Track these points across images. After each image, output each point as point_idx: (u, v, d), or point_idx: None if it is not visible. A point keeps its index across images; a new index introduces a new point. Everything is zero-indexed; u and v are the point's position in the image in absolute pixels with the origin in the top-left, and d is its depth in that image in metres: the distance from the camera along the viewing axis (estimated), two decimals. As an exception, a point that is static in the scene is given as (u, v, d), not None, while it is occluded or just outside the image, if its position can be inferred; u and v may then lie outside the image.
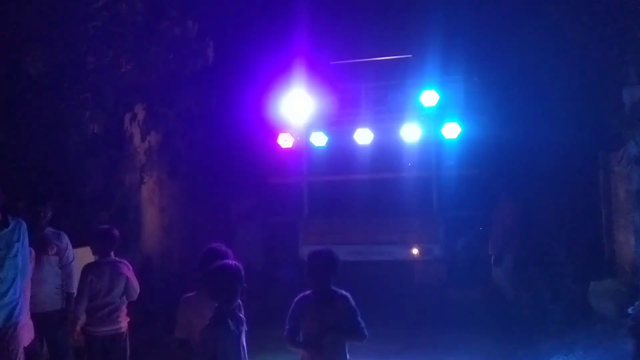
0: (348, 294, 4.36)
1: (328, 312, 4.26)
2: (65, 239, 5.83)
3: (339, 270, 4.30)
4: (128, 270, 5.52)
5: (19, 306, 4.80)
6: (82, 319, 5.48)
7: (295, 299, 4.33)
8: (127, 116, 9.15)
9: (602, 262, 8.76)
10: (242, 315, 4.06)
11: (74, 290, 5.62)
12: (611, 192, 8.89)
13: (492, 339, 7.95)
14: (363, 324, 4.30)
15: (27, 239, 4.92)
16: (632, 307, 5.00)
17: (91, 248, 5.71)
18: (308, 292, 4.32)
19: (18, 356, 4.84)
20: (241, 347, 3.91)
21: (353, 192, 10.10)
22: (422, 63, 9.51)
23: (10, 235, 4.75)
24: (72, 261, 5.85)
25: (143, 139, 9.45)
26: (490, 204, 9.12)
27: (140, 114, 9.32)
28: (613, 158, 8.74)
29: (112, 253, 5.51)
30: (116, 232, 5.58)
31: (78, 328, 5.45)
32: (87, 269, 5.40)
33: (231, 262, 3.91)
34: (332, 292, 4.33)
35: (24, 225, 4.92)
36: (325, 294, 4.30)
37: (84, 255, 6.20)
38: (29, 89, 7.48)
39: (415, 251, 9.58)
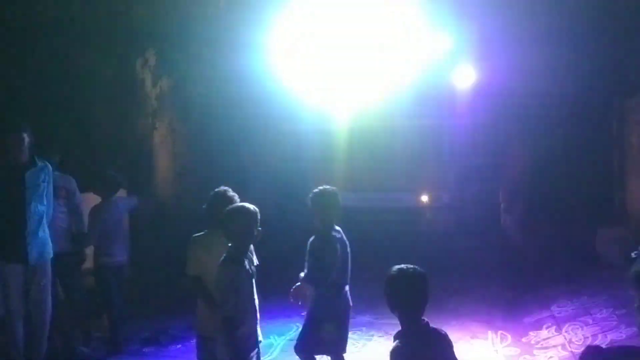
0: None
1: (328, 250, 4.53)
2: (74, 183, 6.01)
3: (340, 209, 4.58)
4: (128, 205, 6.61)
5: (48, 244, 5.04)
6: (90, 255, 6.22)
7: None
8: (139, 61, 9.14)
9: (612, 210, 8.80)
10: (254, 258, 4.21)
11: (85, 230, 6.07)
12: (624, 139, 8.85)
13: (499, 285, 8.10)
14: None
15: (52, 182, 5.14)
16: (635, 252, 5.04)
17: (95, 191, 6.30)
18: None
19: (48, 291, 5.10)
20: (253, 287, 4.06)
21: (365, 139, 10.12)
22: (436, 5, 9.33)
23: (37, 175, 4.98)
24: (81, 203, 6.14)
25: (154, 84, 9.46)
26: (502, 152, 9.12)
27: (152, 59, 9.30)
28: (628, 105, 8.67)
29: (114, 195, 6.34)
30: (120, 178, 6.34)
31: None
32: (96, 210, 6.14)
33: (249, 204, 4.02)
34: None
35: (50, 167, 5.14)
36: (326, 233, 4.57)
37: (96, 200, 6.52)
38: (41, 35, 7.48)
39: (424, 198, 9.65)
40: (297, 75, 9.81)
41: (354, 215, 9.94)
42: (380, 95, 9.74)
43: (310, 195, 4.64)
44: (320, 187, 4.68)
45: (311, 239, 4.70)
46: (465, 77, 9.19)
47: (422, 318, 3.13)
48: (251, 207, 3.99)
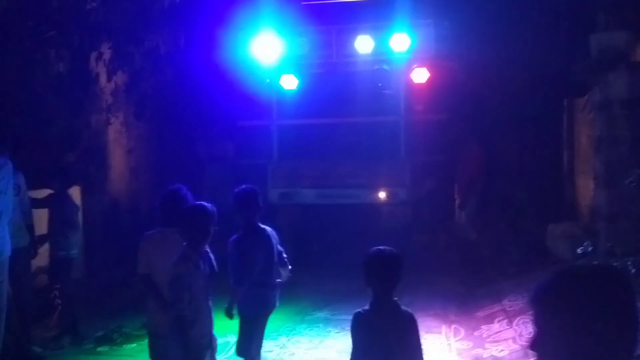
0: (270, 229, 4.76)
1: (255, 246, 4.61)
2: (23, 178, 5.93)
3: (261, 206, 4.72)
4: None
5: (7, 242, 4.94)
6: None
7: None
8: (93, 55, 8.95)
9: (562, 206, 9.05)
10: (211, 256, 4.20)
11: (33, 225, 6.14)
12: (574, 138, 9.11)
13: (453, 280, 8.25)
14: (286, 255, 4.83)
15: (11, 180, 5.06)
16: (581, 248, 5.24)
17: (51, 186, 6.44)
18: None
19: (4, 289, 5.00)
20: (207, 286, 4.05)
21: (322, 136, 10.14)
22: (393, 5, 9.42)
23: None
24: (29, 199, 6.13)
25: (109, 79, 9.28)
26: (457, 149, 9.27)
27: (107, 53, 9.11)
28: (577, 104, 8.92)
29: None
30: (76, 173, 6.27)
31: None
32: (58, 203, 6.34)
33: (207, 203, 4.03)
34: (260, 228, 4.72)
35: (10, 165, 5.03)
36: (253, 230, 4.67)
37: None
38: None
39: (382, 194, 9.73)
40: (254, 71, 9.78)
41: (312, 212, 9.99)
42: (338, 92, 9.80)
43: (233, 195, 4.70)
44: (242, 186, 4.75)
45: (233, 237, 4.71)
46: (420, 75, 9.31)
47: (394, 298, 3.38)
48: (209, 206, 4.00)
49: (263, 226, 4.77)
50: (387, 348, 3.27)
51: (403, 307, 3.41)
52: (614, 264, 4.90)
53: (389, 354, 3.27)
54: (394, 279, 3.36)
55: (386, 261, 3.38)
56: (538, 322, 1.59)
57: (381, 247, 3.44)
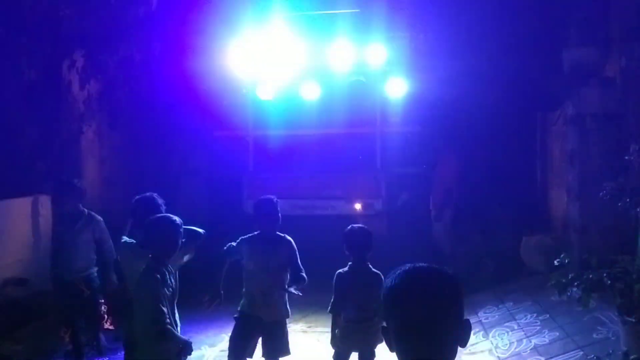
0: (291, 239, 5.00)
1: (272, 253, 4.79)
2: None
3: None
4: None
5: None
6: None
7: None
8: (66, 63, 8.80)
9: (536, 218, 9.14)
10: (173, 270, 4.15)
11: None
12: (547, 150, 9.23)
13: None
14: (303, 269, 4.97)
15: None
16: (558, 260, 5.30)
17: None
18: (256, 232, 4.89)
19: None
20: (174, 299, 3.98)
21: (298, 147, 10.12)
22: (370, 18, 9.46)
23: None
24: None
25: (82, 87, 9.13)
26: (432, 161, 9.31)
27: (80, 61, 8.97)
28: (550, 118, 9.04)
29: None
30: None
31: None
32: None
33: (173, 216, 3.94)
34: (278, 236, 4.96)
35: None
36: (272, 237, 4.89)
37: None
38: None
39: (358, 206, 9.73)
40: (230, 81, 9.73)
41: (288, 223, 9.91)
42: (315, 103, 9.80)
43: (254, 204, 4.77)
44: (264, 196, 4.90)
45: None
46: (397, 88, 9.35)
47: (367, 262, 4.62)
48: (175, 217, 3.91)
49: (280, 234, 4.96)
50: (359, 296, 4.49)
51: (373, 269, 4.58)
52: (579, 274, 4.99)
53: (360, 300, 4.48)
54: (366, 248, 4.62)
55: (361, 234, 4.68)
56: (385, 318, 1.73)
57: (358, 224, 4.80)
